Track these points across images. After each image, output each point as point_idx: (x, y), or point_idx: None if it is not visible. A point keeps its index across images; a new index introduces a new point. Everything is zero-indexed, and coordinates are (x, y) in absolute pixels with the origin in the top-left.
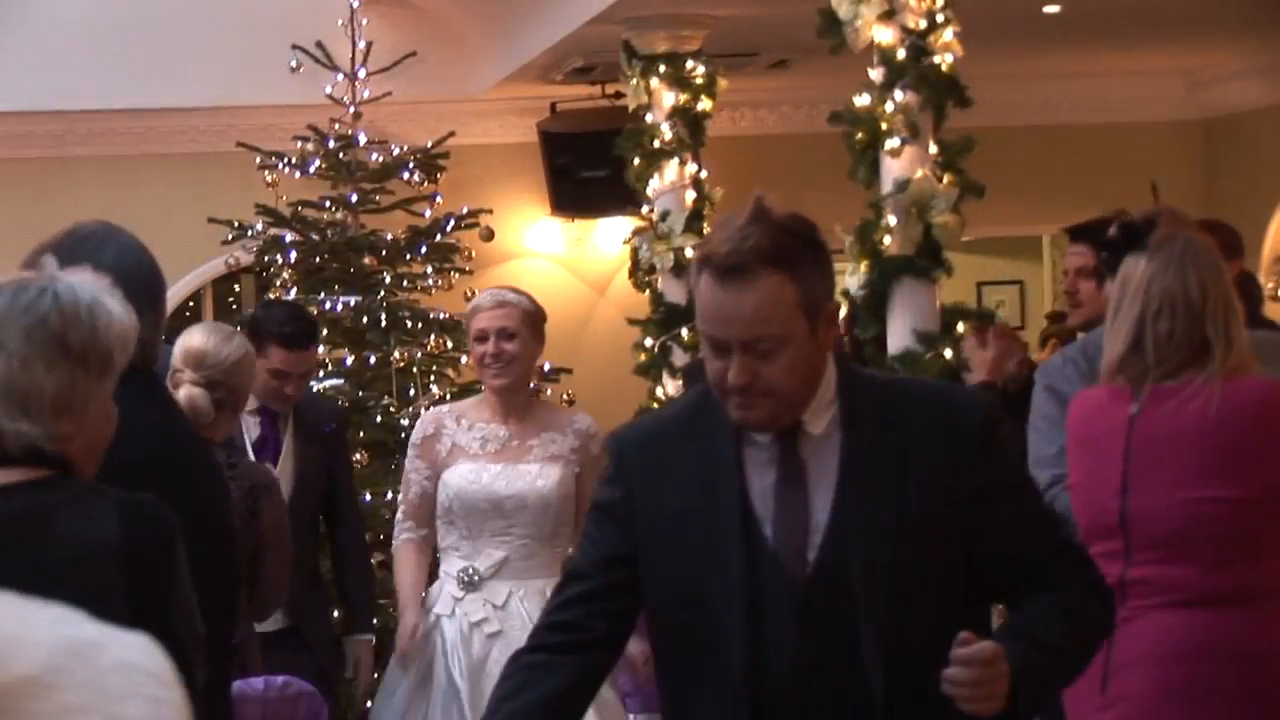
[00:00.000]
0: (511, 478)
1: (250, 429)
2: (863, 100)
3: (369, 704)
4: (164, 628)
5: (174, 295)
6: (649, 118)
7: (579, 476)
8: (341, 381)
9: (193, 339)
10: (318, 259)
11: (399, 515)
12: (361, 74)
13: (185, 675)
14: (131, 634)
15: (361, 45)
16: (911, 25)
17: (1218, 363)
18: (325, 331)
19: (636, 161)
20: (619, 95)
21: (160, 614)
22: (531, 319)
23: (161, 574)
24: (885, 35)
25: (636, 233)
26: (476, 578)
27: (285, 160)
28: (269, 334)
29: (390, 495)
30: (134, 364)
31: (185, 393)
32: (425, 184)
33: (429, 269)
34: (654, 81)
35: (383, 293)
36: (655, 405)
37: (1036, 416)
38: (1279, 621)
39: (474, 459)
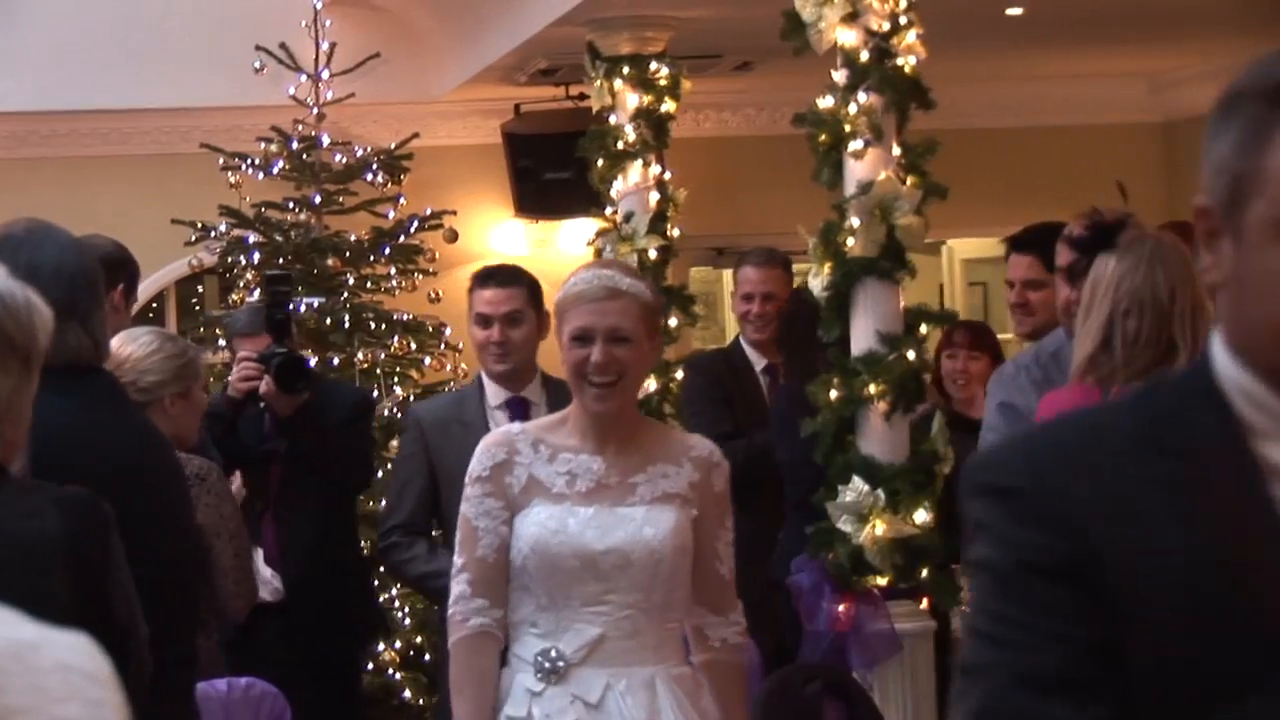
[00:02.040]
0: (608, 525)
1: (500, 424)
2: (826, 102)
3: None
4: (106, 616)
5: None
6: (613, 119)
7: (697, 521)
8: None
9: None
10: (281, 260)
11: (459, 587)
12: (325, 75)
13: (126, 663)
14: (69, 634)
15: (325, 46)
16: (875, 27)
17: (1184, 363)
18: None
19: (600, 163)
20: (583, 97)
21: (102, 603)
22: (651, 314)
23: (102, 565)
24: (848, 37)
25: (600, 234)
26: (561, 664)
27: (249, 161)
28: (474, 281)
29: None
30: (90, 363)
31: None
32: (389, 185)
33: (392, 270)
34: (618, 83)
35: (346, 294)
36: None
37: (987, 430)
38: None
39: (556, 500)
